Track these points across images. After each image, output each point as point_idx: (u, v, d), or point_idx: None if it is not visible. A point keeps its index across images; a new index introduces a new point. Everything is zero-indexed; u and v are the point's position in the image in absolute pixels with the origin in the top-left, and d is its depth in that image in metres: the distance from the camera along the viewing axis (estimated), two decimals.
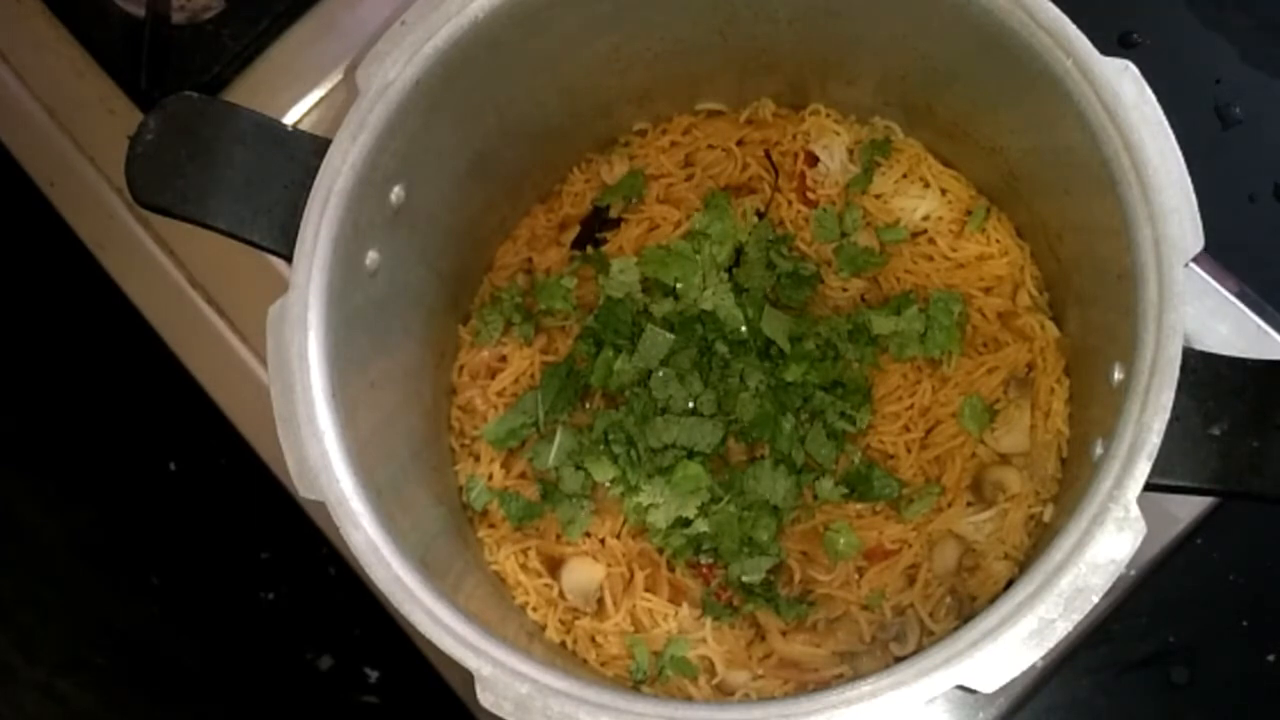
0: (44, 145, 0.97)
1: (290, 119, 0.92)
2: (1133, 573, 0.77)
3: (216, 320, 0.92)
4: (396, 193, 0.66)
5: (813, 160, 0.79)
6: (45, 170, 0.97)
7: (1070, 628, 0.53)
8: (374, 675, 0.98)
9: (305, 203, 0.62)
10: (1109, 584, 0.53)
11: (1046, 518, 0.71)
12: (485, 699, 0.55)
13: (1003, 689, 0.78)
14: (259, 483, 0.85)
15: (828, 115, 0.80)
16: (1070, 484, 0.69)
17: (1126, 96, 0.59)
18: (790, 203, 0.79)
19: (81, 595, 1.02)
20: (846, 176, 0.78)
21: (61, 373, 1.06)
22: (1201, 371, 0.56)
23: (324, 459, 0.59)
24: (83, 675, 0.97)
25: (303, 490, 0.59)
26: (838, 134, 0.79)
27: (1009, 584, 0.66)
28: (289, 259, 0.62)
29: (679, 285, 0.74)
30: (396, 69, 0.63)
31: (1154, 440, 0.54)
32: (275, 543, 1.00)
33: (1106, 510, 0.54)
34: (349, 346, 0.63)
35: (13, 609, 0.99)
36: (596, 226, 0.81)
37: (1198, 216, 0.57)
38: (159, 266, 0.93)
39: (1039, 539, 0.70)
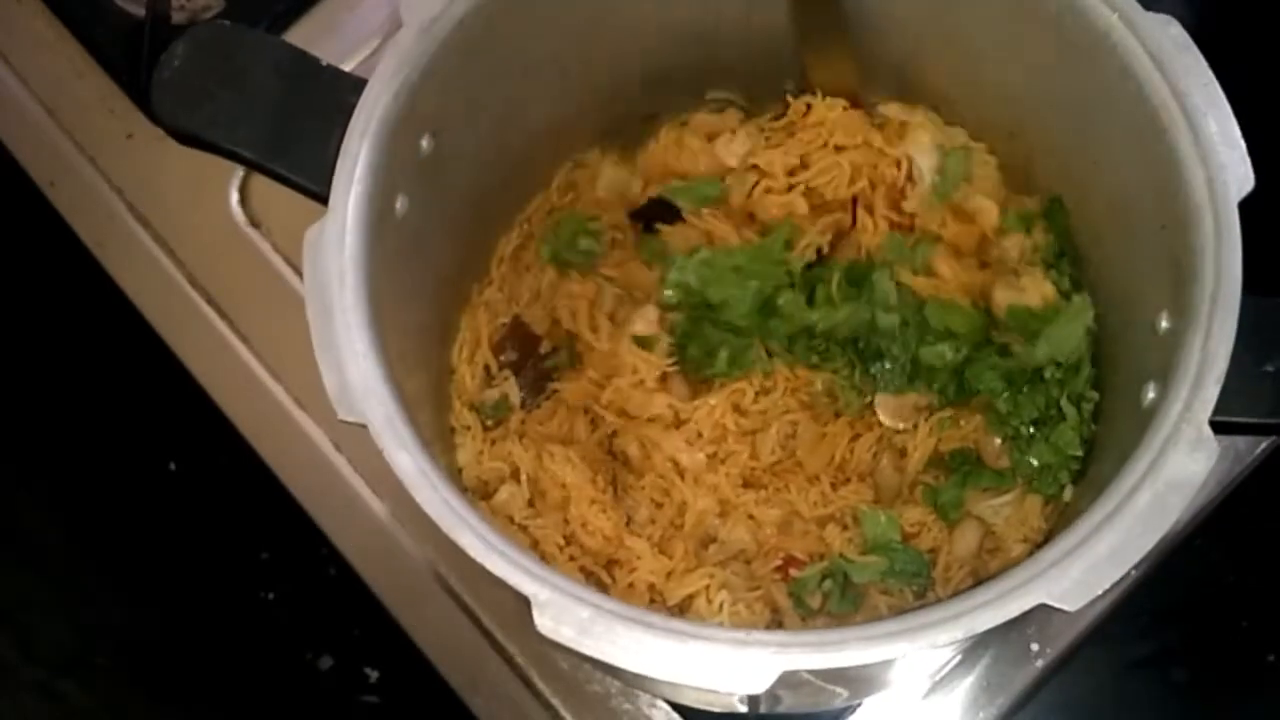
0: (44, 145, 0.97)
1: None
2: (1133, 573, 0.77)
3: (216, 320, 0.92)
4: (426, 141, 0.66)
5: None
6: (45, 170, 0.97)
7: (1152, 544, 0.53)
8: (374, 675, 0.97)
9: (339, 137, 0.61)
10: (1186, 501, 0.53)
11: (1067, 497, 0.71)
12: (543, 624, 0.52)
13: (1002, 689, 0.78)
14: (259, 483, 0.85)
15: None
16: (1098, 457, 0.69)
17: (1170, 48, 0.60)
18: (875, 226, 0.76)
19: (81, 595, 1.02)
20: (931, 185, 0.75)
21: (61, 373, 1.06)
22: (1247, 312, 0.57)
23: (365, 380, 0.57)
24: (83, 675, 0.97)
25: (342, 413, 0.57)
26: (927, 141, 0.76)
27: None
28: (315, 195, 0.61)
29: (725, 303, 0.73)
30: (442, 3, 0.63)
31: (1221, 365, 0.55)
32: (275, 543, 1.00)
33: (1179, 431, 0.54)
34: (380, 284, 0.62)
35: (13, 609, 0.99)
36: (655, 215, 0.78)
37: (1246, 154, 0.58)
38: (159, 266, 0.93)
39: (1056, 524, 0.71)
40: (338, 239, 0.59)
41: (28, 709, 0.93)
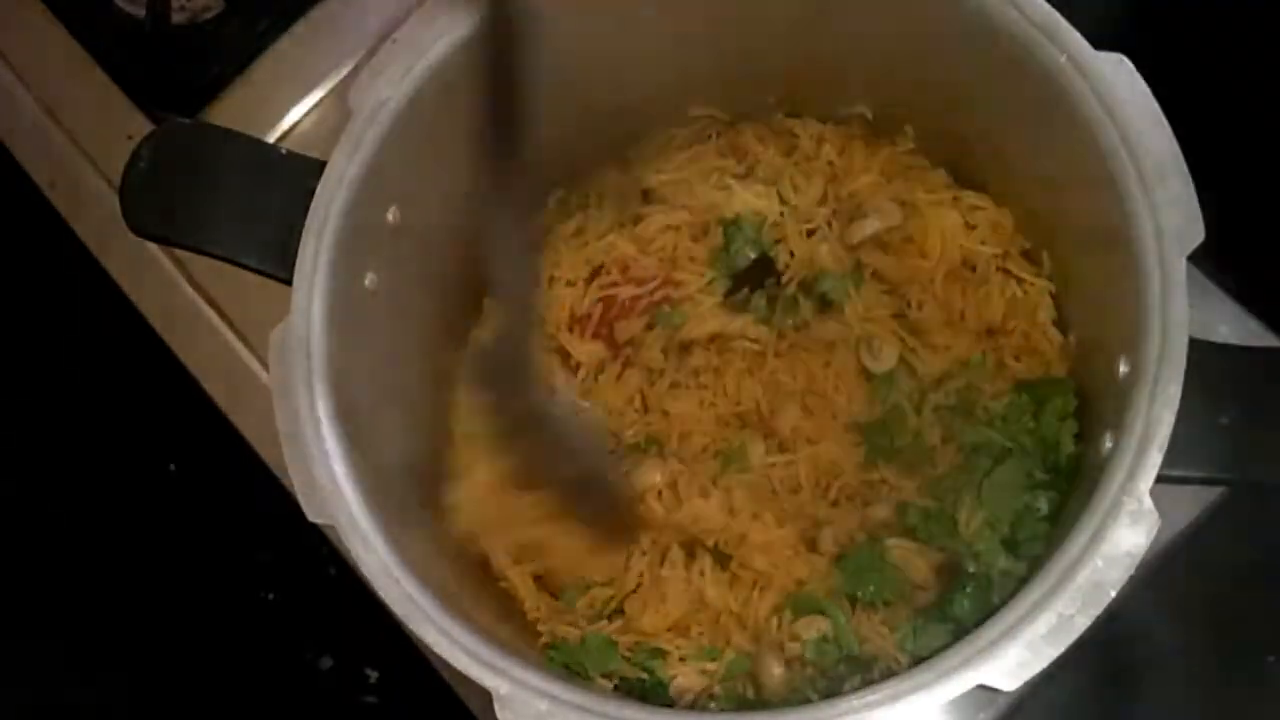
0: (44, 145, 0.97)
1: (292, 119, 0.92)
2: (1133, 573, 0.77)
3: (216, 320, 0.91)
4: (393, 213, 0.66)
5: None
6: (45, 170, 0.97)
7: (1089, 622, 0.53)
8: (374, 675, 0.97)
9: (302, 226, 0.61)
10: (1125, 577, 0.53)
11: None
12: (504, 717, 0.54)
13: None
14: (259, 483, 0.85)
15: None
16: (1081, 477, 0.68)
17: (1122, 90, 0.59)
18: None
19: (81, 595, 1.02)
20: None
21: (61, 373, 1.06)
22: (1206, 361, 0.56)
23: (333, 483, 0.59)
24: (83, 675, 0.97)
25: (311, 515, 0.59)
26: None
27: (1023, 581, 0.66)
28: (287, 282, 0.62)
29: None
30: (390, 88, 0.63)
31: (1164, 432, 0.54)
32: (275, 543, 1.00)
33: (1120, 504, 0.54)
34: (352, 370, 0.63)
35: (13, 609, 0.99)
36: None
37: (1197, 207, 0.57)
38: (159, 267, 0.93)
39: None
40: (302, 337, 0.60)
41: (28, 709, 0.93)
